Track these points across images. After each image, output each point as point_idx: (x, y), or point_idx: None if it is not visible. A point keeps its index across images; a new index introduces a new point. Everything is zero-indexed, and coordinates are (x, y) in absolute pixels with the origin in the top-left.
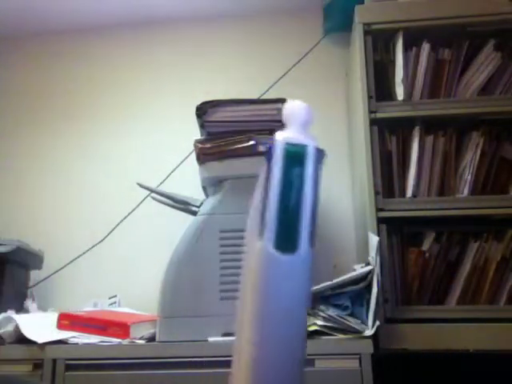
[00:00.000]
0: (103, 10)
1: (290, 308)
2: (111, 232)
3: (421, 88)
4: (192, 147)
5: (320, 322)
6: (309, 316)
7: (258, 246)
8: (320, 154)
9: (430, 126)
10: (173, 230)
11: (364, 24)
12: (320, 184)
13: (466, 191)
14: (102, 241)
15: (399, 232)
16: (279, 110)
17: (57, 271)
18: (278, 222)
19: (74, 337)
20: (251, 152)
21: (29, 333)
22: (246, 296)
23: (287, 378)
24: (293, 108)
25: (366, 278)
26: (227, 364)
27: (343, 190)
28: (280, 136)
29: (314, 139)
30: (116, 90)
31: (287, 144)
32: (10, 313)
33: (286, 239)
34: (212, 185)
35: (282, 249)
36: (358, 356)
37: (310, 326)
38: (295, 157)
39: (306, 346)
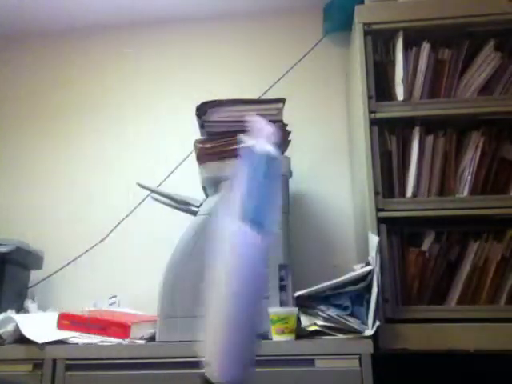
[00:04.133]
0: (105, 10)
1: (259, 269)
2: (111, 232)
3: (421, 88)
4: (192, 147)
5: (320, 322)
6: (309, 316)
7: (238, 226)
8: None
9: (430, 126)
10: (173, 229)
11: (364, 24)
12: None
13: (465, 191)
14: (102, 241)
15: (399, 232)
16: (279, 110)
17: (57, 271)
18: (254, 210)
19: (74, 337)
20: None
21: (29, 333)
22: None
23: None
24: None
25: (365, 278)
26: None
27: (343, 190)
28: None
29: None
30: (116, 90)
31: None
32: (10, 313)
33: (258, 223)
34: (212, 185)
35: (255, 229)
36: (357, 356)
37: (309, 326)
38: (265, 160)
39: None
